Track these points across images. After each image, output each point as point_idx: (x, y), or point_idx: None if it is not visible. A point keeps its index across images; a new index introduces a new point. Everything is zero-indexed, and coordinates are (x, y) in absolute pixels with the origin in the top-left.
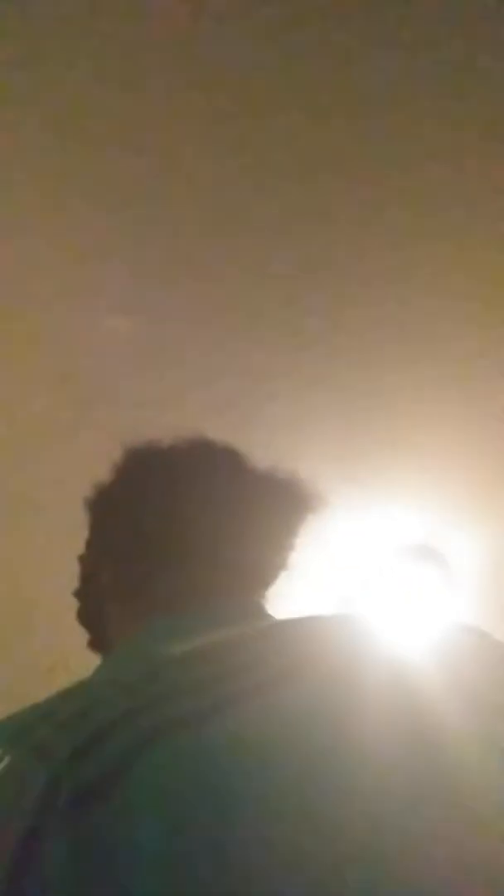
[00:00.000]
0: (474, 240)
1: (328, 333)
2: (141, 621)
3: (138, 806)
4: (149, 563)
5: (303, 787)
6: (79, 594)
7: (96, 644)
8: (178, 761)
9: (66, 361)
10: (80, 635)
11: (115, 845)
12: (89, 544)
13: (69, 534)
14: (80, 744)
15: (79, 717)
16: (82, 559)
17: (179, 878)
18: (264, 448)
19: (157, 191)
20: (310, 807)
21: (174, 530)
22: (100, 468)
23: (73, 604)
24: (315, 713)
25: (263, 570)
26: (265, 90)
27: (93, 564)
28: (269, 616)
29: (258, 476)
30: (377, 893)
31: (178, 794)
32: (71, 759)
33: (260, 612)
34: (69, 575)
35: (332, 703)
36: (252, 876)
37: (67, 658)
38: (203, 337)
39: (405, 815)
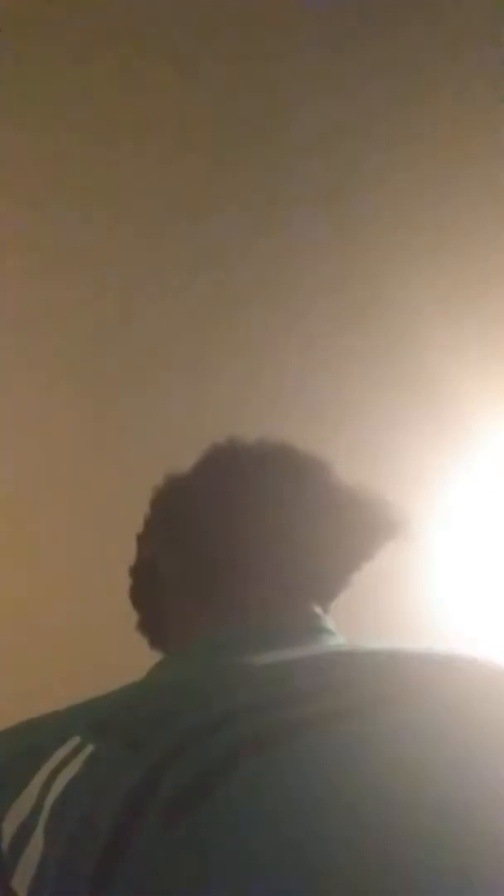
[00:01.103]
0: None
1: None
2: (210, 624)
3: (237, 814)
4: (221, 565)
5: (404, 815)
6: (134, 573)
7: (146, 627)
8: (278, 773)
9: None
10: None
11: (210, 850)
12: (150, 528)
13: None
14: (177, 742)
15: (173, 715)
16: (140, 539)
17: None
18: None
19: None
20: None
21: (252, 535)
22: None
23: None
24: (415, 738)
25: (334, 587)
26: None
27: (153, 549)
28: (337, 635)
29: (343, 491)
30: None
31: (275, 806)
32: (168, 757)
33: (326, 631)
34: None
35: (430, 731)
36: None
37: None
38: None
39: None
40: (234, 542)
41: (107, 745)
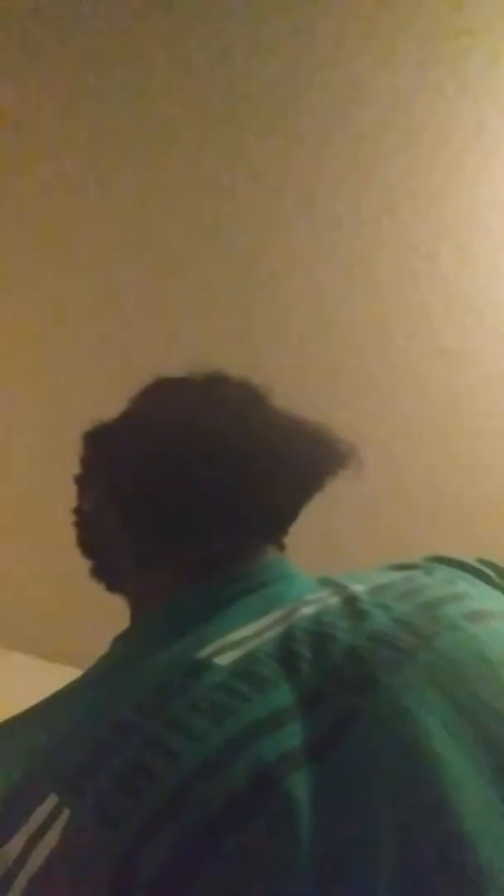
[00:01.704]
0: None
1: None
2: (171, 584)
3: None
4: (171, 520)
5: None
6: (78, 524)
7: (98, 573)
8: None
9: None
10: None
11: None
12: (87, 476)
13: None
14: (154, 812)
15: (144, 776)
16: (79, 484)
17: None
18: None
19: None
20: None
21: (201, 483)
22: None
23: None
24: None
25: (288, 524)
26: None
27: (94, 501)
28: (298, 577)
29: (290, 422)
30: None
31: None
32: (142, 835)
33: (288, 577)
34: None
35: None
36: None
37: None
38: None
39: None
40: (182, 494)
41: (81, 815)
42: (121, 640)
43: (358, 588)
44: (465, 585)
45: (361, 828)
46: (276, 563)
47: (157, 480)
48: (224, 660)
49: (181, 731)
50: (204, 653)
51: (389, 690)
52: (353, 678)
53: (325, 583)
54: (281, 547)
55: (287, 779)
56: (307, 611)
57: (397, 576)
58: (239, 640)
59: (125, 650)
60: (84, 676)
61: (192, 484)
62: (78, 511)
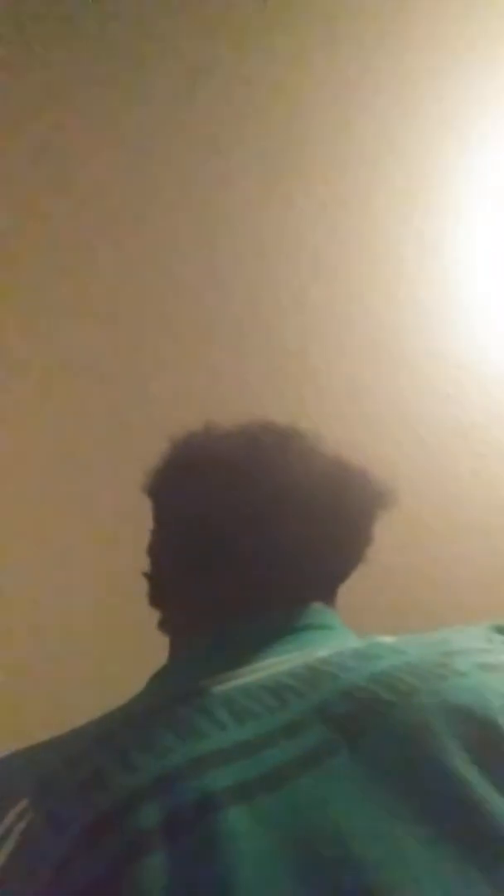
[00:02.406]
0: None
1: None
2: (192, 632)
3: None
4: (205, 563)
5: None
6: (147, 575)
7: (164, 627)
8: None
9: None
10: None
11: None
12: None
13: None
14: (97, 820)
15: (98, 785)
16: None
17: None
18: None
19: None
20: None
21: (226, 532)
22: None
23: None
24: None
25: (335, 576)
26: None
27: (155, 549)
28: (327, 631)
29: (327, 470)
30: None
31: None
32: (86, 840)
33: (313, 628)
34: None
35: None
36: None
37: None
38: None
39: None
40: (219, 537)
41: (38, 819)
42: (149, 680)
43: (385, 638)
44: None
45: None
46: (315, 611)
47: (191, 526)
48: (220, 689)
49: (147, 746)
50: (205, 683)
51: (375, 731)
52: (340, 714)
53: (362, 638)
54: (331, 601)
55: (224, 810)
56: (321, 653)
57: (438, 633)
58: (242, 673)
59: (157, 681)
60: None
61: (237, 543)
62: (149, 566)
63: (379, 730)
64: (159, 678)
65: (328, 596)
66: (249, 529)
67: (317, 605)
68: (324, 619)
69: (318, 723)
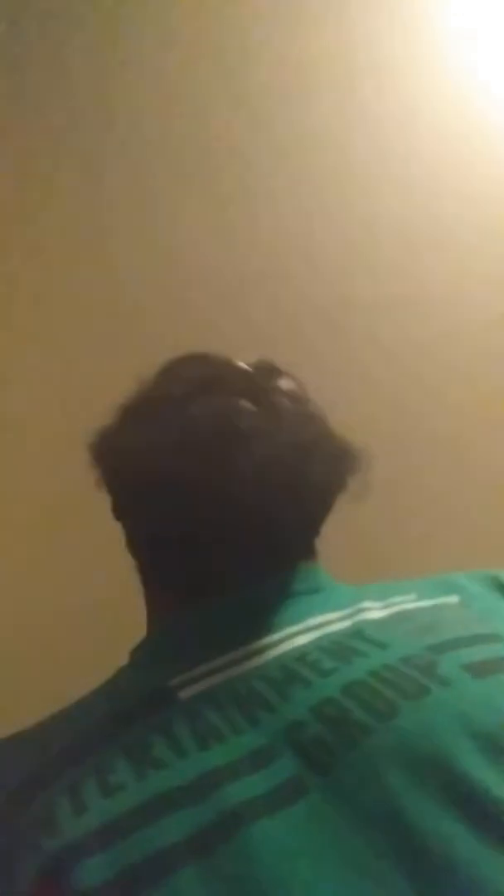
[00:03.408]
0: None
1: None
2: (164, 612)
3: None
4: (163, 542)
5: None
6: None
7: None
8: None
9: None
10: None
11: None
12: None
13: None
14: (42, 865)
15: (46, 823)
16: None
17: None
18: None
19: None
20: None
21: (182, 500)
22: None
23: None
24: None
25: (306, 529)
26: None
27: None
28: (319, 592)
29: (302, 431)
30: None
31: None
32: (62, 856)
33: (307, 592)
34: None
35: None
36: None
37: None
38: None
39: None
40: (168, 515)
41: (9, 835)
42: (136, 650)
43: (375, 615)
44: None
45: None
46: (297, 576)
47: (157, 501)
48: (187, 693)
49: (100, 779)
50: (173, 681)
51: (343, 772)
52: (311, 742)
53: (354, 597)
54: (308, 556)
55: (175, 873)
56: (300, 640)
57: (429, 603)
58: (208, 671)
59: (123, 666)
60: (99, 687)
61: (197, 509)
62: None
63: (351, 765)
64: (136, 660)
65: (309, 551)
66: (207, 497)
67: (302, 566)
68: (310, 580)
69: (288, 751)
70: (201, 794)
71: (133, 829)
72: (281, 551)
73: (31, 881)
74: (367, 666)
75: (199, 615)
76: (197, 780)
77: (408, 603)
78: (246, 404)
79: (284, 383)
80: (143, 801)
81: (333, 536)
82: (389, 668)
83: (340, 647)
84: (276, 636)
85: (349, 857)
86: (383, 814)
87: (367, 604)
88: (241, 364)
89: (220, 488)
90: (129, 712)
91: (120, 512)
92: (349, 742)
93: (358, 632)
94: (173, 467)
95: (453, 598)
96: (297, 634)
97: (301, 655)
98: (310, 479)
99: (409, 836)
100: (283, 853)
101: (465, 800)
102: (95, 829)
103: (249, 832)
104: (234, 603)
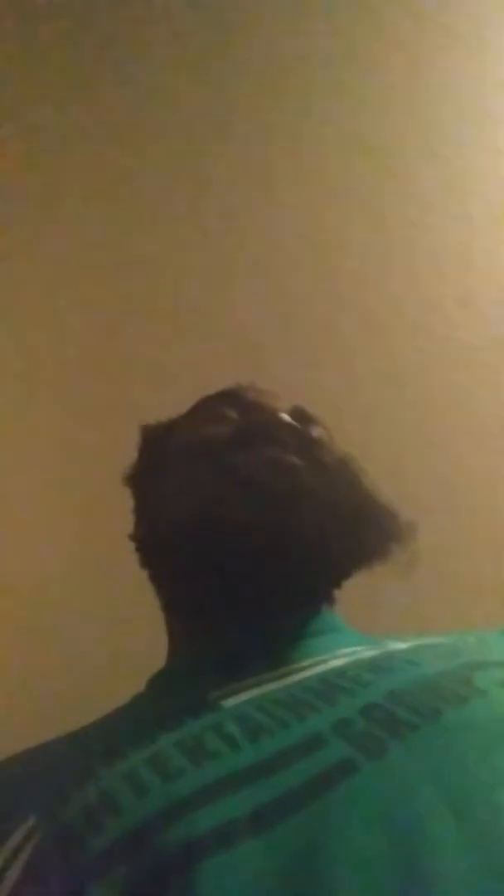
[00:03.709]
0: None
1: None
2: (188, 642)
3: None
4: (192, 571)
5: None
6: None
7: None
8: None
9: None
10: None
11: None
12: (137, 502)
13: None
14: (108, 850)
15: (109, 809)
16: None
17: None
18: None
19: None
20: None
21: (229, 530)
22: None
23: None
24: None
25: (339, 574)
26: None
27: (142, 541)
28: (330, 634)
29: (356, 477)
30: None
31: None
32: (95, 871)
33: (320, 633)
34: None
35: None
36: None
37: None
38: None
39: None
40: (219, 535)
41: (45, 842)
42: (149, 681)
43: (399, 645)
44: None
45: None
46: (320, 617)
47: (206, 549)
48: (230, 702)
49: (159, 767)
50: (213, 695)
51: (395, 756)
52: (361, 735)
53: (371, 640)
54: (331, 601)
55: (241, 843)
56: (335, 663)
57: (448, 639)
58: (253, 684)
59: (144, 691)
60: (102, 718)
61: (221, 559)
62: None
63: (401, 751)
64: (161, 684)
65: (331, 598)
66: (254, 527)
67: (325, 609)
68: (332, 622)
69: (337, 739)
70: (260, 776)
71: (198, 807)
72: (310, 592)
73: (97, 856)
74: (406, 678)
75: (230, 642)
76: (254, 766)
77: (429, 639)
78: (295, 460)
79: (318, 432)
80: (205, 784)
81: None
82: (428, 679)
83: (376, 666)
84: (310, 661)
85: (407, 824)
86: (438, 787)
87: (389, 640)
88: (282, 414)
89: (275, 542)
90: (172, 717)
91: (154, 549)
92: (398, 735)
93: (390, 655)
94: (227, 517)
95: (470, 637)
96: (331, 659)
97: (340, 672)
98: (358, 542)
99: (468, 805)
100: (343, 825)
101: None
102: (161, 808)
103: (309, 810)
104: (264, 632)
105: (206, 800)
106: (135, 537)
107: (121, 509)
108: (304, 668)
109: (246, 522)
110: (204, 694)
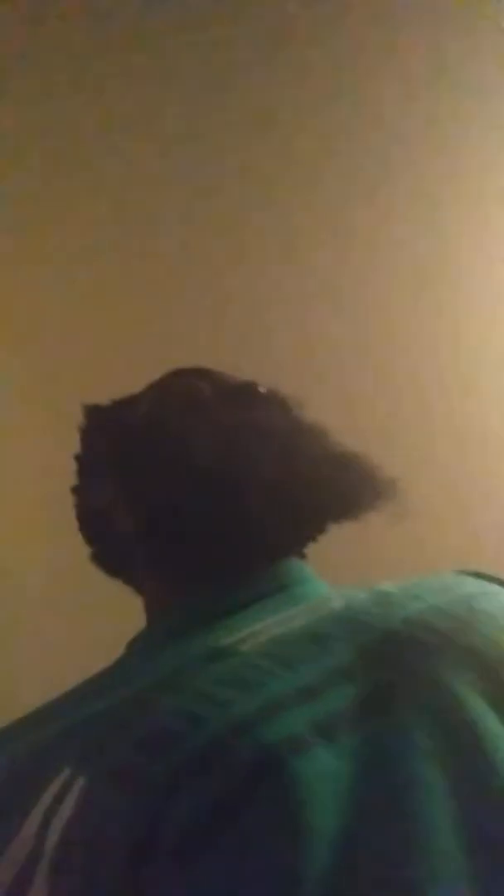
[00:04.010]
0: None
1: None
2: (182, 594)
3: (264, 843)
4: (182, 537)
5: None
6: (79, 509)
7: (101, 561)
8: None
9: None
10: None
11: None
12: (96, 466)
13: None
14: (177, 771)
15: (166, 737)
16: (82, 465)
17: None
18: None
19: None
20: None
21: (221, 511)
22: None
23: None
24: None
25: (310, 539)
26: None
27: (106, 499)
28: (309, 584)
29: (331, 439)
30: None
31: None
32: (167, 792)
33: (299, 583)
34: None
35: None
36: None
37: None
38: None
39: None
40: (204, 516)
41: (96, 780)
42: (137, 639)
43: (386, 585)
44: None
45: (402, 801)
46: (297, 567)
47: (181, 499)
48: (248, 647)
49: (207, 699)
50: (226, 641)
51: (429, 668)
52: (390, 654)
53: (353, 587)
54: (301, 555)
55: (310, 751)
56: (335, 604)
57: (428, 577)
58: (263, 628)
59: (143, 645)
60: (98, 674)
61: (219, 506)
62: (79, 493)
63: (439, 663)
64: (149, 643)
65: (301, 550)
66: (263, 476)
67: (295, 561)
68: (304, 572)
69: (374, 663)
70: (310, 697)
71: (260, 724)
72: (299, 540)
73: (162, 779)
74: (414, 609)
75: (227, 591)
76: (299, 690)
77: (409, 579)
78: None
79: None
80: (259, 706)
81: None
82: (434, 608)
83: (379, 601)
84: (309, 604)
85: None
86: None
87: (371, 585)
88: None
89: (279, 489)
90: (195, 665)
91: (138, 510)
92: (429, 655)
93: (384, 593)
94: (242, 467)
95: (447, 574)
96: (328, 602)
97: (347, 607)
98: (345, 490)
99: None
100: (404, 733)
101: None
102: (224, 728)
103: (366, 725)
104: (258, 582)
105: (265, 717)
106: (125, 501)
107: None
108: (303, 613)
109: (257, 471)
110: (216, 642)
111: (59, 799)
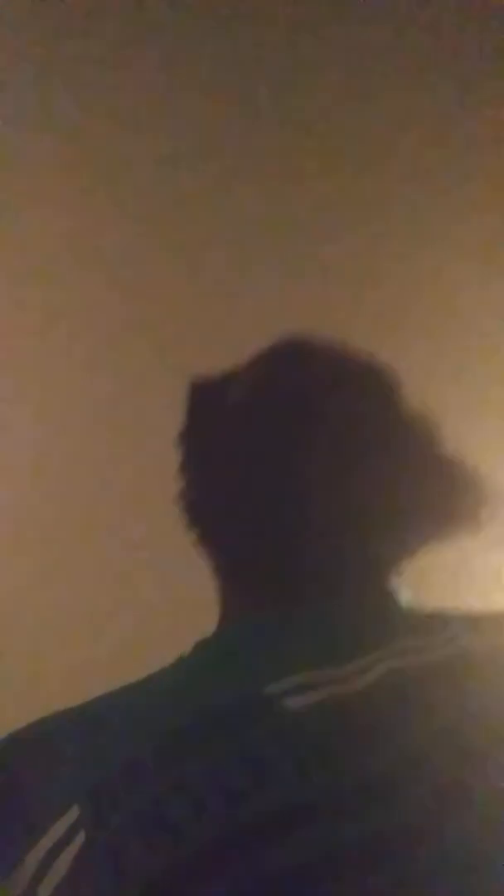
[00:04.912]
0: None
1: None
2: (250, 609)
3: None
4: (276, 538)
5: None
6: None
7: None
8: None
9: None
10: None
11: None
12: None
13: None
14: (162, 873)
15: (163, 826)
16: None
17: None
18: None
19: None
20: None
21: (320, 498)
22: None
23: None
24: None
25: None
26: None
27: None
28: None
29: (443, 446)
30: None
31: None
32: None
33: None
34: None
35: None
36: None
37: None
38: None
39: None
40: (293, 508)
41: (95, 847)
42: (201, 647)
43: (475, 643)
44: None
45: None
46: (382, 597)
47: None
48: (295, 703)
49: (216, 782)
50: (272, 689)
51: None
52: (444, 787)
53: (432, 622)
54: (399, 576)
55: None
56: (412, 660)
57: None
58: (317, 682)
59: (196, 660)
60: (149, 679)
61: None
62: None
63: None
64: (209, 659)
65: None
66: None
67: (391, 584)
68: (385, 604)
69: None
70: (336, 818)
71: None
72: (381, 566)
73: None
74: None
75: (296, 620)
76: (326, 804)
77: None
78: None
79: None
80: (268, 811)
81: None
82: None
83: (451, 672)
84: (379, 652)
85: None
86: None
87: (458, 629)
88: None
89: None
90: (229, 716)
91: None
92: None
93: (463, 656)
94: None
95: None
96: (402, 654)
97: (418, 676)
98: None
99: None
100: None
101: None
102: (221, 837)
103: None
104: (330, 613)
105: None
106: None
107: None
108: (370, 665)
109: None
110: (261, 686)
111: (59, 845)
